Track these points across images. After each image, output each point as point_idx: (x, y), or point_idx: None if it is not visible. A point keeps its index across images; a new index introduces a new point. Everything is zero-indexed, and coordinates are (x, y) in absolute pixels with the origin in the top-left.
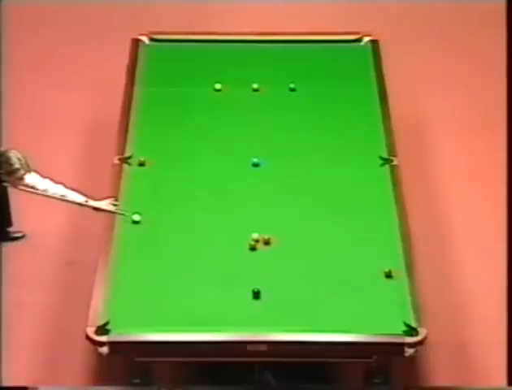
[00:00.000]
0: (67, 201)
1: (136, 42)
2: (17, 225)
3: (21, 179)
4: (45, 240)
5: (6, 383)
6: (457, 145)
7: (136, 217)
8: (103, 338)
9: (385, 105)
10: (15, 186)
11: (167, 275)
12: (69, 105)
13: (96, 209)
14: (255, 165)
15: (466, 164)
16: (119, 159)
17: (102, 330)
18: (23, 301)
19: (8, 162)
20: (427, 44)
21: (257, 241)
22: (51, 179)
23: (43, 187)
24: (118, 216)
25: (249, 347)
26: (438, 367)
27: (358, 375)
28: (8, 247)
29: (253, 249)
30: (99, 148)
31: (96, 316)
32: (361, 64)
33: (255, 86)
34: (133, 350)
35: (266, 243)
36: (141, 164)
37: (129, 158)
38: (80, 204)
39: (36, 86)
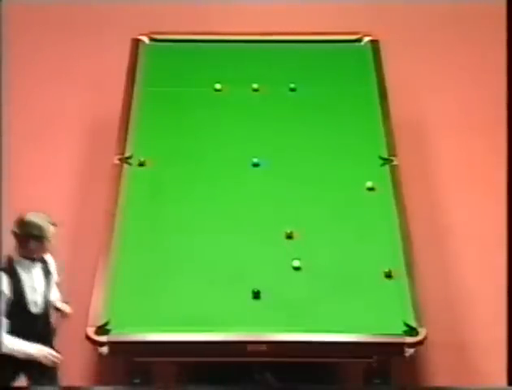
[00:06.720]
0: None
1: (136, 42)
2: None
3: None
4: None
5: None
6: (457, 145)
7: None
8: (103, 338)
9: (385, 105)
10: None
11: (167, 275)
12: (69, 105)
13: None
14: (255, 165)
15: (466, 164)
16: (119, 159)
17: (102, 330)
18: None
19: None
20: (428, 44)
21: None
22: None
23: None
24: (118, 216)
25: (249, 347)
26: (438, 367)
27: (358, 375)
28: None
29: None
30: (99, 148)
31: (96, 316)
32: (361, 64)
33: (255, 86)
34: (133, 350)
35: None
36: (141, 164)
37: (129, 158)
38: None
39: (36, 86)
